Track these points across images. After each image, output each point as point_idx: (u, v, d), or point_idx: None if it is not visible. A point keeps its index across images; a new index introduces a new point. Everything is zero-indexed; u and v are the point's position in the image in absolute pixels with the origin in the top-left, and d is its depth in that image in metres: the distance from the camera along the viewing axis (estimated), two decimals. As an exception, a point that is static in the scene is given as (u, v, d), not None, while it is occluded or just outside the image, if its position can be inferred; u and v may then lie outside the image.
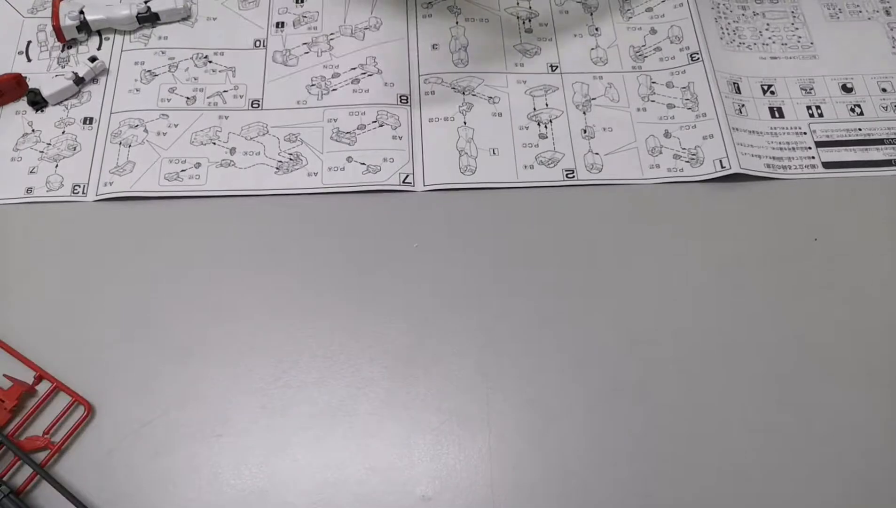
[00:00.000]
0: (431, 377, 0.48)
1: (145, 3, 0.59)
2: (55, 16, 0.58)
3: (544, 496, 0.45)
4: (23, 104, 0.57)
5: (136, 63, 0.59)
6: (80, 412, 0.47)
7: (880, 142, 0.58)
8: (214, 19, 0.62)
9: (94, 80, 0.58)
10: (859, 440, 0.47)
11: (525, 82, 0.59)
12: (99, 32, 0.60)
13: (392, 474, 0.46)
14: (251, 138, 0.56)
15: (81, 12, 0.58)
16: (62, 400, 0.47)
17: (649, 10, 0.63)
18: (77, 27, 0.58)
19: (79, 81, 0.57)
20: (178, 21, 0.61)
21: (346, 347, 0.49)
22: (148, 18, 0.60)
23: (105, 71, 0.59)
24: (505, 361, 0.49)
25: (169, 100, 0.57)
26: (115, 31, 0.60)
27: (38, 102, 0.57)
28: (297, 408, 0.47)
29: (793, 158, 0.57)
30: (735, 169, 0.55)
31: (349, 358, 0.49)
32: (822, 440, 0.47)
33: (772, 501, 0.46)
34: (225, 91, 0.58)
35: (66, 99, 0.57)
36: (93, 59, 0.58)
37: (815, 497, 0.46)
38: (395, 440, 0.47)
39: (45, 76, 0.58)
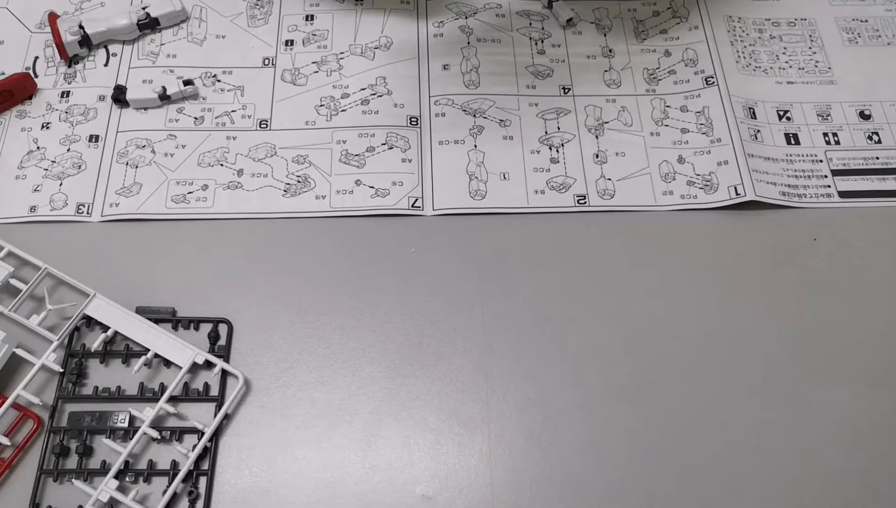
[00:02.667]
0: (431, 378, 0.48)
1: (143, 9, 0.59)
2: (55, 33, 0.57)
3: (544, 495, 0.45)
4: (30, 121, 0.57)
5: (144, 81, 0.58)
6: (29, 426, 0.46)
7: (898, 171, 0.57)
8: (223, 37, 0.61)
9: (182, 100, 0.58)
10: (859, 440, 0.47)
11: (537, 105, 0.59)
12: (106, 48, 0.60)
13: (392, 473, 0.46)
14: (259, 160, 0.55)
15: (81, 27, 0.58)
16: (9, 415, 0.46)
17: (664, 31, 0.62)
18: (79, 42, 0.58)
19: (164, 97, 0.57)
20: (178, 24, 0.61)
21: (346, 347, 0.49)
22: (148, 25, 0.60)
23: (196, 97, 0.58)
24: (505, 361, 0.49)
25: (177, 120, 0.57)
26: (123, 44, 0.60)
27: (120, 99, 0.57)
28: (298, 408, 0.47)
29: (808, 187, 0.56)
30: (750, 196, 0.54)
31: (349, 358, 0.49)
32: (822, 440, 0.47)
33: (771, 500, 0.45)
34: (233, 111, 0.57)
35: (147, 109, 0.57)
36: (188, 83, 0.57)
37: (814, 497, 0.45)
38: (395, 439, 0.47)
39: (133, 82, 0.58)
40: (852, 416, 0.48)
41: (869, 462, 0.46)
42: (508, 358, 0.49)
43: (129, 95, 0.56)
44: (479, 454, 0.46)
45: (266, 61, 0.60)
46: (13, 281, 0.49)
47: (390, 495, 0.45)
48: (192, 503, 0.44)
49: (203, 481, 0.45)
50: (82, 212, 0.53)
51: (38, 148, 0.56)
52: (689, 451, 0.46)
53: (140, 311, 0.49)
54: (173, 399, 0.47)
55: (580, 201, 0.55)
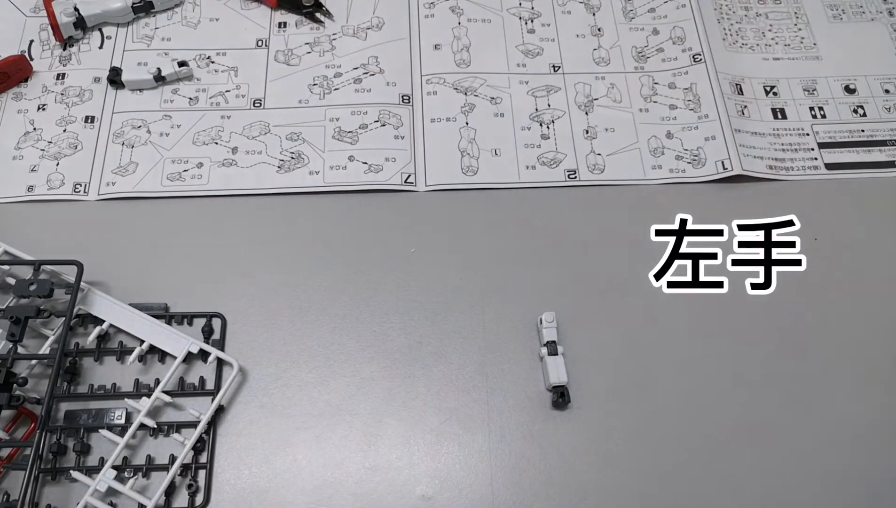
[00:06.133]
0: (431, 378, 0.48)
1: None
2: (50, 14, 0.58)
3: (544, 496, 0.45)
4: (26, 103, 0.57)
5: (139, 64, 0.59)
6: (28, 424, 0.46)
7: (883, 143, 0.58)
8: (217, 20, 0.62)
9: (176, 81, 0.58)
10: (858, 439, 0.47)
11: (527, 83, 0.59)
12: (101, 30, 0.60)
13: (392, 474, 0.46)
14: (253, 137, 0.56)
15: (76, 9, 0.58)
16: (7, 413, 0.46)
17: (651, 10, 0.63)
18: (74, 24, 0.58)
19: (159, 78, 0.57)
20: (173, 7, 0.61)
21: (346, 347, 0.49)
22: (142, 7, 0.60)
23: (190, 78, 0.58)
24: (505, 361, 0.49)
25: (172, 101, 0.57)
26: (118, 27, 0.61)
27: (115, 81, 0.57)
28: (297, 408, 0.47)
29: (795, 160, 0.57)
30: (737, 170, 0.55)
31: (349, 358, 0.49)
32: (822, 439, 0.47)
33: (771, 500, 0.46)
34: (227, 91, 0.58)
35: (143, 90, 0.58)
36: (182, 64, 0.58)
37: (814, 497, 0.46)
38: (395, 440, 0.47)
39: (127, 65, 0.58)
40: (852, 416, 0.48)
41: (869, 462, 0.47)
42: (508, 358, 0.49)
43: (125, 77, 0.57)
44: (479, 454, 0.46)
45: (259, 43, 0.60)
46: (8, 279, 0.49)
47: (390, 495, 0.45)
48: (192, 496, 0.44)
49: (202, 475, 0.45)
50: (79, 191, 0.54)
51: (34, 129, 0.56)
52: (688, 450, 0.47)
53: (133, 307, 0.49)
54: (170, 393, 0.46)
55: (570, 176, 0.56)
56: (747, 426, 0.47)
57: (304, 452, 0.46)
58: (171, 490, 0.44)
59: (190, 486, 0.44)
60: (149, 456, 0.45)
